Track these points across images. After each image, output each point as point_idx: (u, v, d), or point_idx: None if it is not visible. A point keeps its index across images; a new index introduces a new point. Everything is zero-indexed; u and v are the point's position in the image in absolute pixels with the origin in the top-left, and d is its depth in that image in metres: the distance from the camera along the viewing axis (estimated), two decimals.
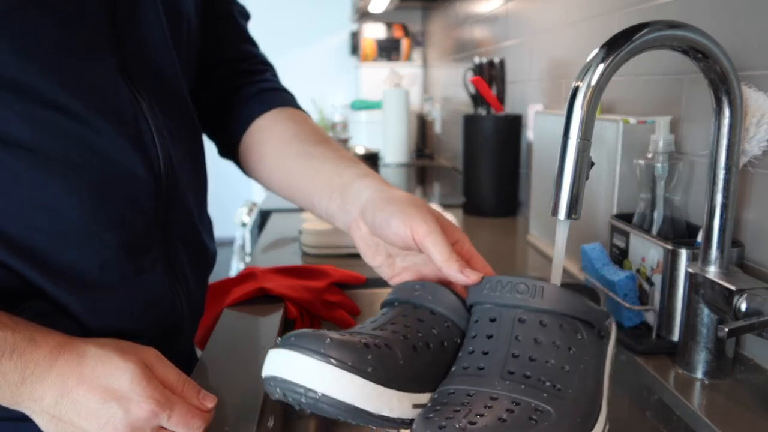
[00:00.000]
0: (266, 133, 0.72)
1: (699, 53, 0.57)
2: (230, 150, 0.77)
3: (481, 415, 0.42)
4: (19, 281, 0.51)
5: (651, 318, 0.73)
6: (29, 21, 0.48)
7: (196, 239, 0.65)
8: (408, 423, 0.47)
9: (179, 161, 0.60)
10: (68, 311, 0.53)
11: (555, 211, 0.52)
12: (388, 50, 3.31)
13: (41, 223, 0.51)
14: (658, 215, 0.78)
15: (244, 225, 2.05)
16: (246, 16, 0.79)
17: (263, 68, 0.79)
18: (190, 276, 0.64)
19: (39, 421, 0.48)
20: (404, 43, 3.33)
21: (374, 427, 0.53)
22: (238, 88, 0.76)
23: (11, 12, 0.47)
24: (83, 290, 0.53)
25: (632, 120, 0.86)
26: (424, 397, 0.48)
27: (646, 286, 0.74)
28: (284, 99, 0.76)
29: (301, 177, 0.68)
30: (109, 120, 0.53)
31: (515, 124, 1.44)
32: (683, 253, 0.69)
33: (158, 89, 0.58)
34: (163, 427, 0.49)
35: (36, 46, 0.49)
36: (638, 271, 0.76)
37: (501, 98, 1.48)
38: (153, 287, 0.58)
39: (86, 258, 0.53)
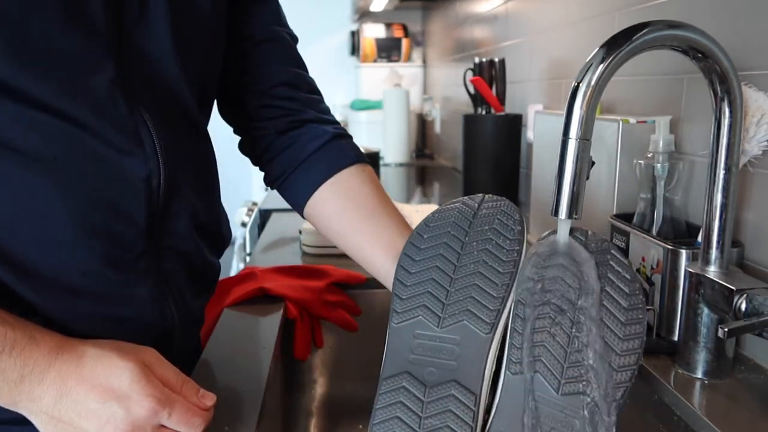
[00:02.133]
0: (335, 201, 0.72)
1: (699, 53, 0.57)
2: (293, 197, 0.76)
3: None
4: None
5: (651, 318, 0.73)
6: (25, 24, 0.47)
7: (195, 252, 0.63)
8: None
9: (182, 173, 0.59)
10: (46, 316, 0.51)
11: (556, 211, 0.52)
12: (388, 50, 3.31)
13: (23, 226, 0.49)
14: (657, 215, 0.78)
15: (244, 225, 2.05)
16: (295, 39, 0.78)
17: (317, 98, 0.78)
18: (186, 288, 0.62)
19: (37, 421, 0.47)
20: (404, 43, 3.32)
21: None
22: (298, 126, 0.74)
23: (7, 15, 0.46)
24: (63, 296, 0.52)
25: (632, 120, 0.86)
26: None
27: (646, 286, 0.74)
28: (351, 154, 0.75)
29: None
30: (106, 125, 0.51)
31: (515, 124, 1.44)
32: (683, 253, 0.69)
33: (161, 102, 0.57)
34: (163, 426, 0.49)
35: (31, 49, 0.47)
36: (638, 270, 0.76)
37: (501, 98, 1.48)
38: (139, 298, 0.56)
39: (68, 264, 0.51)
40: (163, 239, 0.58)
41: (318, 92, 0.78)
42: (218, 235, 0.70)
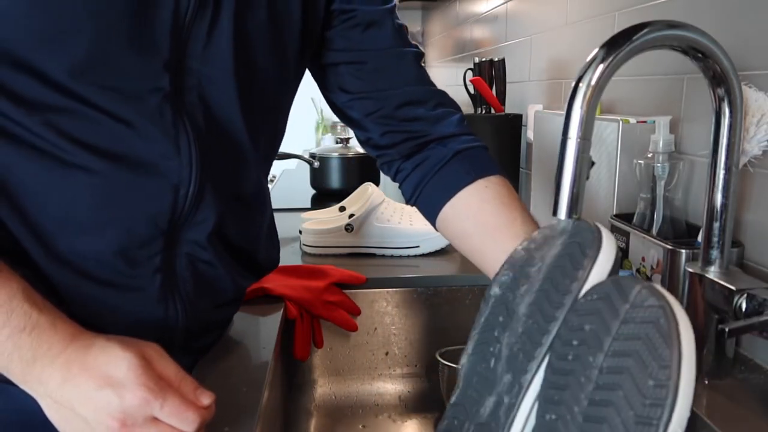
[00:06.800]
0: (456, 223, 0.71)
1: (699, 53, 0.57)
2: (426, 208, 0.75)
3: None
4: (15, 246, 0.54)
5: None
6: (85, 41, 0.51)
7: (216, 266, 0.65)
8: None
9: (214, 189, 0.61)
10: (62, 297, 0.55)
11: (555, 211, 0.52)
12: None
13: (52, 206, 0.54)
14: (658, 215, 0.78)
15: None
16: (420, 55, 0.77)
17: (447, 110, 0.75)
18: (198, 296, 0.64)
19: (44, 405, 0.50)
20: None
21: None
22: (422, 149, 0.74)
23: (68, 31, 0.50)
24: (74, 275, 0.56)
25: (632, 120, 0.86)
26: None
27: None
28: (475, 170, 0.72)
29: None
30: (149, 127, 0.55)
31: (515, 124, 1.44)
32: (683, 253, 0.69)
33: (210, 120, 0.60)
34: (157, 419, 0.49)
35: (90, 64, 0.52)
36: (638, 270, 0.76)
37: (501, 98, 1.48)
38: (144, 295, 0.60)
39: (84, 247, 0.56)
40: (181, 245, 0.61)
41: (448, 103, 0.76)
42: (254, 261, 0.71)
